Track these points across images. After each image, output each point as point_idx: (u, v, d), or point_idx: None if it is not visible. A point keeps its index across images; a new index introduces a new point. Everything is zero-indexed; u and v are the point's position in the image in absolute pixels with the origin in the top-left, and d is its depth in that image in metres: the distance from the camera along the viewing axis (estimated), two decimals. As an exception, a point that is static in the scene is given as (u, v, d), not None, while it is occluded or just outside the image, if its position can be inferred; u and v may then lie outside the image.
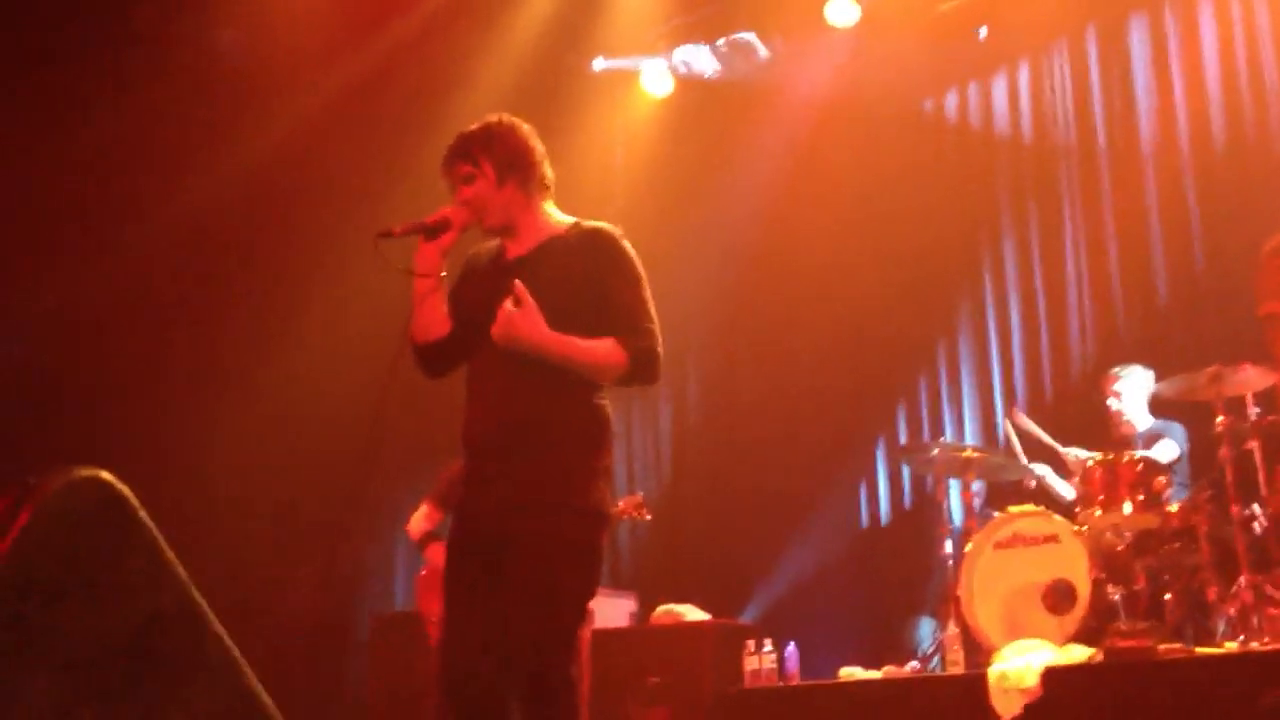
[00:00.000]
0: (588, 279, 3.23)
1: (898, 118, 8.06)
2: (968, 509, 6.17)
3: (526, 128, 3.39)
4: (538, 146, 3.38)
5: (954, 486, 6.51)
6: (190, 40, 7.05)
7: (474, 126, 3.36)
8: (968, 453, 6.20)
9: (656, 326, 3.25)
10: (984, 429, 7.63)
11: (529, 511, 3.12)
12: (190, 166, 7.04)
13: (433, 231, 3.28)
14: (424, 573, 5.84)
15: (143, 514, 2.06)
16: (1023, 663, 4.88)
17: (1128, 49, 7.50)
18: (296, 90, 7.28)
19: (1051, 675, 4.73)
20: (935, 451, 6.27)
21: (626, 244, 3.32)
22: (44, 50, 6.71)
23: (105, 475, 2.04)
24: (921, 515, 7.50)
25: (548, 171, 3.39)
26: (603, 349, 3.17)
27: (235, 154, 7.06)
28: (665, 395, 8.53)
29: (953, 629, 5.62)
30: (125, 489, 2.05)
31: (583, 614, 3.22)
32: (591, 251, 3.28)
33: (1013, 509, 5.85)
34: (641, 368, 3.20)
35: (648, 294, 3.28)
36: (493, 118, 3.39)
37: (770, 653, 5.86)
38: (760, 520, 7.90)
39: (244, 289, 7.44)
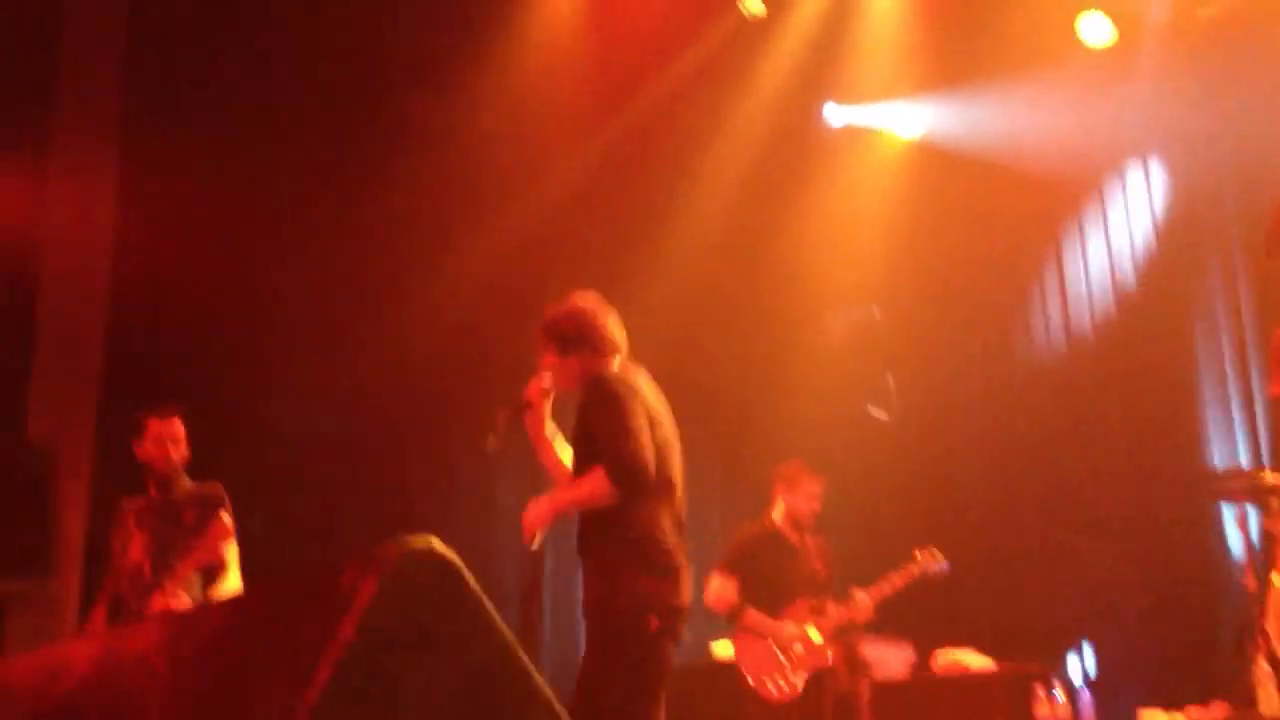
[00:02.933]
0: (584, 424, 4.02)
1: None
2: (1273, 538, 5.80)
3: (589, 304, 4.19)
4: (597, 319, 4.15)
5: (1254, 515, 6.14)
6: (458, 125, 7.48)
7: (548, 312, 4.20)
8: (1268, 478, 5.85)
9: (630, 442, 3.86)
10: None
11: (585, 613, 3.99)
12: (461, 242, 7.43)
13: (524, 409, 4.11)
14: (741, 639, 5.89)
15: (470, 578, 2.21)
16: (1348, 702, 4.56)
17: None
18: (556, 161, 7.60)
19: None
20: (1234, 478, 5.95)
21: (605, 382, 4.00)
22: (328, 141, 7.26)
23: (437, 544, 2.20)
24: (1221, 546, 7.09)
25: (611, 336, 4.14)
26: (590, 483, 3.92)
27: (505, 223, 7.42)
28: (935, 431, 8.33)
29: (1264, 666, 5.29)
30: (454, 556, 2.20)
31: (634, 692, 3.86)
32: (584, 400, 4.04)
33: (1321, 537, 5.47)
34: (622, 483, 3.86)
35: (622, 418, 3.90)
36: (562, 304, 4.21)
37: (1062, 698, 5.65)
38: (1042, 557, 7.62)
39: (521, 351, 7.75)
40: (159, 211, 7.18)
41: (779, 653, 5.68)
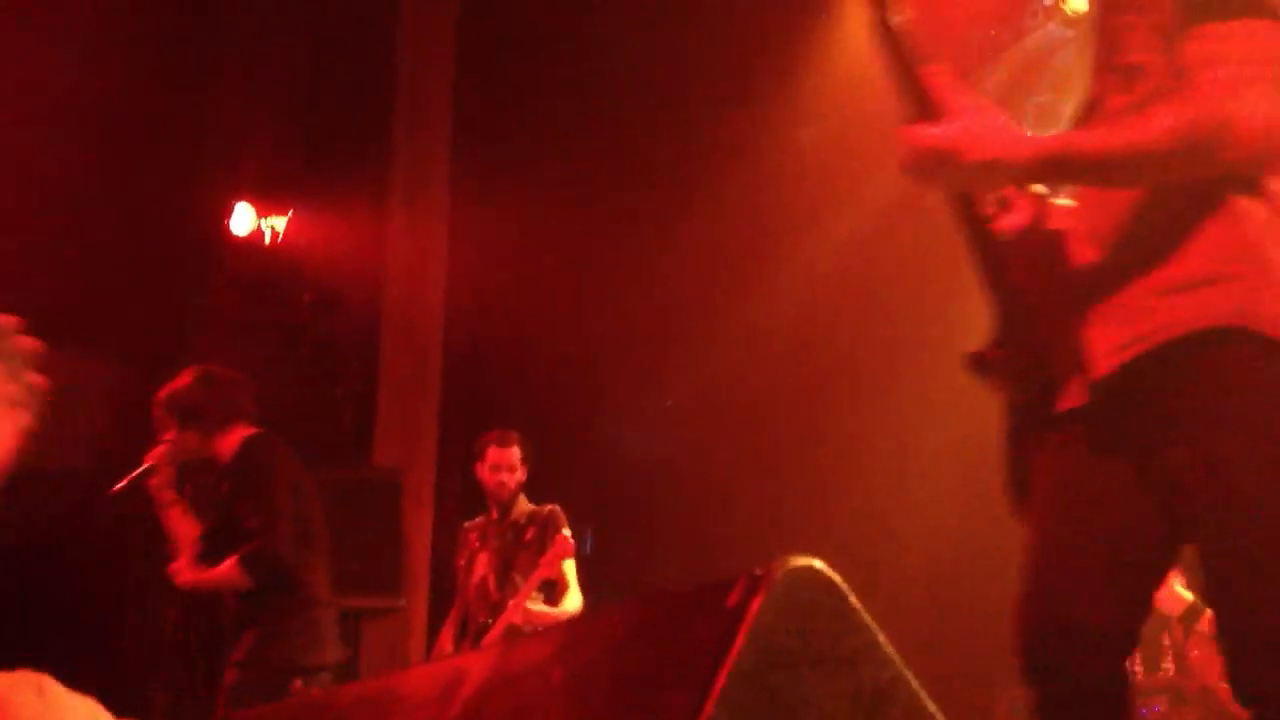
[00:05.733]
0: (233, 493, 4.29)
1: None
2: None
3: (207, 377, 4.43)
4: (215, 392, 4.39)
5: None
6: (776, 139, 7.47)
7: (166, 388, 4.44)
8: None
9: (273, 538, 4.15)
10: None
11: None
12: (782, 259, 7.40)
13: (148, 474, 4.39)
14: (1197, 643, 5.50)
15: (854, 598, 2.16)
16: None
17: None
18: (876, 171, 7.46)
19: None
20: None
21: (252, 450, 4.30)
22: (647, 162, 7.42)
23: (818, 563, 2.17)
24: None
25: (231, 406, 4.39)
26: (227, 574, 4.22)
27: (827, 235, 7.33)
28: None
29: None
30: (836, 575, 2.16)
31: None
32: (234, 467, 4.32)
33: None
34: (256, 576, 4.17)
35: (269, 501, 4.19)
36: (181, 378, 4.44)
37: None
38: None
39: (848, 367, 7.64)
40: (488, 244, 7.53)
41: None
